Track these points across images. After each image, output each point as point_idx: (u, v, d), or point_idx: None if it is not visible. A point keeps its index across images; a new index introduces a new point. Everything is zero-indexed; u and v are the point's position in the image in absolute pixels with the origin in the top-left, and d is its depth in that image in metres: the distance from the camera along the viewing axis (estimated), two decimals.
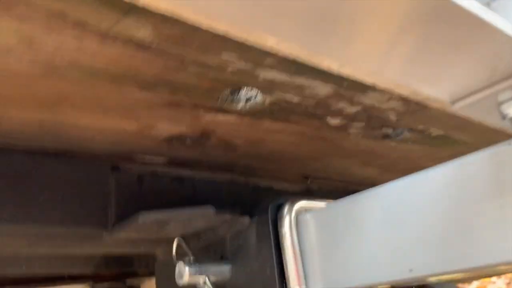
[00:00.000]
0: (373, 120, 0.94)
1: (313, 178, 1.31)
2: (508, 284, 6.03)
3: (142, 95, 0.72)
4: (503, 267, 0.59)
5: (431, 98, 0.65)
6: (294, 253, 0.79)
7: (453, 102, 0.53)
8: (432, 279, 0.66)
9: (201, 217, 0.86)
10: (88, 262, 1.29)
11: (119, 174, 0.98)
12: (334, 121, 0.91)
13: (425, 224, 0.63)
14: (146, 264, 1.38)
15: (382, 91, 0.79)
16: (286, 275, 0.79)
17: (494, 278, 6.12)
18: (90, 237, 0.94)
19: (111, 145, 0.92)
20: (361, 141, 1.05)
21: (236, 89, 0.75)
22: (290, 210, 0.82)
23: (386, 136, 1.02)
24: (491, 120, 0.56)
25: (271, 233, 0.82)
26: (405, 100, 0.85)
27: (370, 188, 0.73)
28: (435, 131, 1.03)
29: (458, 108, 0.53)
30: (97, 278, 1.34)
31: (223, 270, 0.91)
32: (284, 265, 0.79)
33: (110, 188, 0.96)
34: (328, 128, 0.94)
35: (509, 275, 5.99)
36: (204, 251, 0.99)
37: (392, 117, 0.93)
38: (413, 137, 1.04)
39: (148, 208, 0.87)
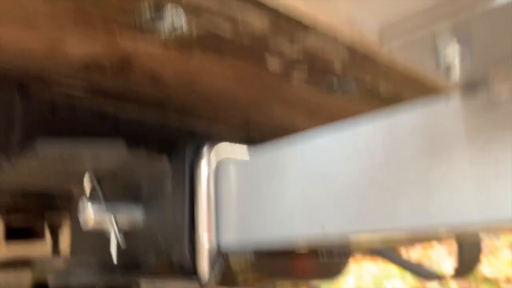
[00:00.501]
0: (316, 66, 0.85)
1: (255, 126, 1.23)
2: (449, 252, 6.31)
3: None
4: (420, 234, 0.53)
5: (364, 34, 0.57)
6: (208, 200, 0.71)
7: (385, 40, 0.45)
8: (344, 239, 0.60)
9: (111, 153, 0.77)
10: (3, 193, 1.18)
11: (28, 98, 0.86)
12: (273, 65, 0.82)
13: (345, 178, 0.57)
14: (68, 201, 1.29)
15: (322, 33, 0.71)
16: (196, 225, 0.71)
17: (436, 244, 6.39)
18: None
19: (17, 63, 0.80)
20: (304, 91, 0.96)
21: (157, 6, 0.65)
22: (208, 153, 0.74)
23: (331, 89, 0.94)
24: (427, 67, 0.48)
25: (187, 176, 0.74)
26: (350, 49, 0.77)
27: (294, 135, 0.65)
28: (383, 87, 0.96)
29: (389, 49, 0.45)
30: (11, 210, 1.24)
31: (135, 213, 0.83)
32: (196, 213, 0.72)
33: (15, 113, 0.85)
34: (267, 73, 0.85)
35: (450, 241, 6.25)
36: (119, 193, 0.91)
37: (337, 65, 0.85)
38: (360, 91, 0.97)
39: (61, 138, 0.77)
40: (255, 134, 1.26)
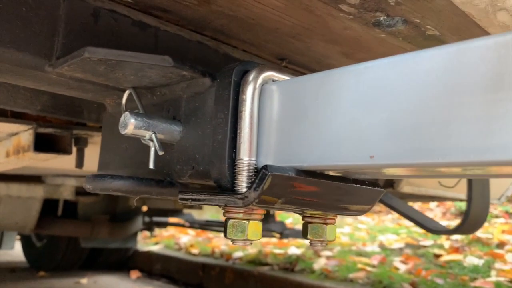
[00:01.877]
0: (369, 0, 0.83)
1: (289, 62, 1.22)
2: (445, 213, 6.42)
3: None
4: (472, 169, 0.54)
5: None
6: (251, 122, 0.72)
7: None
8: (392, 171, 0.61)
9: (157, 66, 0.77)
10: (34, 101, 1.19)
11: (72, 1, 0.85)
12: None
13: (400, 110, 0.56)
14: (97, 118, 1.30)
15: None
16: (237, 144, 0.72)
17: (432, 206, 6.50)
18: (31, 67, 0.83)
19: None
20: (350, 24, 0.94)
21: None
22: (256, 77, 0.73)
23: (377, 24, 0.92)
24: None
25: (231, 97, 0.74)
26: None
27: (348, 66, 0.64)
28: (430, 30, 0.94)
29: None
30: (41, 121, 1.26)
31: (173, 130, 0.84)
32: (238, 133, 0.72)
33: (59, 15, 0.84)
34: None
35: (447, 204, 6.36)
36: (157, 108, 0.91)
37: (391, 0, 0.82)
38: (405, 31, 0.95)
39: (101, 47, 0.76)
40: (287, 71, 1.24)
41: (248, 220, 0.69)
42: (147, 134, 0.80)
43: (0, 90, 1.13)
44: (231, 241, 0.70)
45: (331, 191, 0.71)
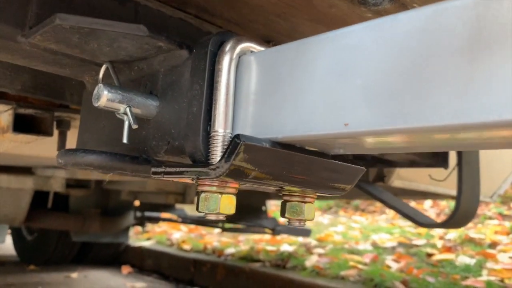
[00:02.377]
0: None
1: (275, 44, 1.19)
2: (439, 214, 6.42)
3: None
4: (451, 133, 0.52)
5: None
6: (227, 94, 0.69)
7: None
8: (370, 140, 0.59)
9: (131, 35, 0.74)
10: (13, 80, 1.16)
11: None
12: None
13: (375, 75, 0.54)
14: (80, 100, 1.27)
15: None
16: (213, 116, 0.70)
17: (427, 207, 6.50)
18: (3, 36, 0.80)
19: None
20: (335, 2, 0.92)
21: None
22: (233, 48, 0.71)
23: (363, 2, 0.90)
24: None
25: (207, 68, 0.72)
26: None
27: (325, 32, 0.62)
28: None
29: None
30: (22, 102, 1.23)
31: (149, 104, 0.81)
32: (214, 105, 0.70)
33: None
34: None
35: (441, 205, 6.36)
36: (135, 83, 0.89)
37: None
38: (392, 10, 0.92)
39: None
40: None
41: (221, 193, 0.67)
42: (122, 107, 0.78)
43: None
44: (204, 214, 0.67)
45: (308, 166, 0.69)
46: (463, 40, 0.48)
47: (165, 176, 0.70)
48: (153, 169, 0.72)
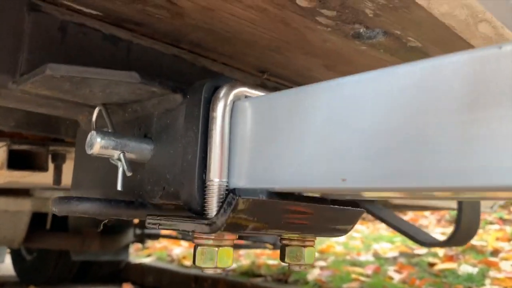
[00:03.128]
0: (347, 12, 0.80)
1: (270, 75, 1.18)
2: (439, 220, 6.40)
3: None
4: (450, 193, 0.51)
5: None
6: (222, 141, 0.68)
7: None
8: (367, 194, 0.58)
9: (124, 83, 0.73)
10: (7, 117, 1.15)
11: (38, 15, 0.81)
12: (302, 0, 0.76)
13: (373, 129, 0.53)
14: (74, 133, 1.26)
15: None
16: (208, 164, 0.68)
17: (427, 213, 6.48)
18: None
19: None
20: (329, 36, 0.91)
21: None
22: (227, 94, 0.70)
23: (357, 36, 0.89)
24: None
25: (201, 115, 0.70)
26: None
27: (321, 81, 0.61)
28: (412, 42, 0.91)
29: None
30: (17, 137, 1.22)
31: (144, 148, 0.80)
32: (208, 153, 0.69)
33: (24, 30, 0.80)
34: (294, 9, 0.80)
35: (441, 211, 6.34)
36: (129, 125, 0.88)
37: (369, 11, 0.79)
38: (386, 43, 0.92)
39: (70, 64, 0.73)
40: (270, 84, 1.21)
41: (218, 246, 0.65)
42: (115, 153, 0.77)
43: None
44: (201, 269, 0.66)
45: (308, 212, 0.68)
46: (461, 97, 0.47)
47: (160, 227, 0.69)
48: (148, 220, 0.71)
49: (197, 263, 0.65)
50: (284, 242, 0.76)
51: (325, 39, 0.92)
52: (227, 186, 0.67)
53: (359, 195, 0.61)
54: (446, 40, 0.87)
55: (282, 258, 0.76)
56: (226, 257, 0.65)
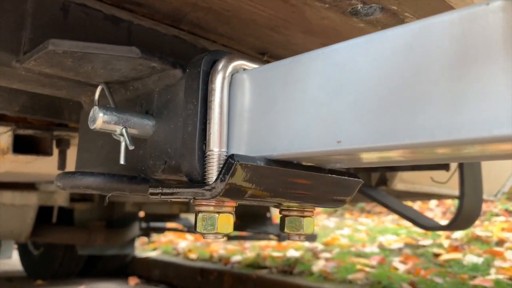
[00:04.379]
0: None
1: (270, 56, 1.19)
2: (444, 213, 6.39)
3: None
4: (442, 149, 0.52)
5: None
6: (221, 112, 0.70)
7: None
8: (363, 156, 0.59)
9: (124, 58, 0.75)
10: (12, 102, 1.17)
11: None
12: None
13: (366, 91, 0.54)
14: (78, 118, 1.28)
15: None
16: (207, 135, 0.70)
17: (432, 205, 6.47)
18: None
19: None
20: (326, 13, 0.92)
21: None
22: (225, 66, 0.71)
23: (355, 12, 0.90)
24: None
25: (200, 88, 0.72)
26: None
27: (315, 50, 0.62)
28: (409, 17, 0.92)
29: None
30: (21, 123, 1.24)
31: (145, 124, 0.82)
32: (208, 124, 0.70)
33: (27, 9, 0.82)
34: None
35: (447, 204, 6.33)
36: (131, 103, 0.89)
37: None
38: (384, 19, 0.93)
39: None
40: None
41: (219, 213, 0.67)
42: (118, 128, 0.78)
43: None
44: (202, 235, 0.67)
45: (305, 181, 0.69)
46: (450, 56, 0.48)
47: (162, 197, 0.71)
48: (150, 190, 0.73)
49: (198, 229, 0.66)
50: (284, 212, 0.78)
51: (323, 16, 0.93)
52: (226, 155, 0.69)
53: (356, 159, 0.63)
54: None
55: (281, 228, 0.78)
56: (226, 223, 0.66)
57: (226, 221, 0.67)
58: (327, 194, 0.74)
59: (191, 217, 4.45)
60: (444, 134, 0.47)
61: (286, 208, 0.77)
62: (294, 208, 0.77)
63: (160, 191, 0.71)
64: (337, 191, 0.74)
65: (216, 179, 0.64)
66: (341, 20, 0.95)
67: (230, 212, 0.68)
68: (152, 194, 0.72)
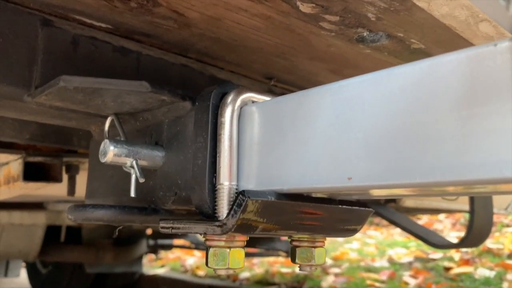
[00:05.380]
0: (349, 16, 0.82)
1: (277, 81, 1.20)
2: (454, 224, 6.33)
3: None
4: (453, 187, 0.52)
5: None
6: (231, 146, 0.70)
7: None
8: (373, 192, 0.59)
9: (135, 92, 0.75)
10: (22, 130, 1.19)
11: (51, 30, 0.84)
12: (305, 7, 0.78)
13: (375, 128, 0.54)
14: (87, 144, 1.29)
15: None
16: (217, 168, 0.70)
17: (441, 217, 6.41)
18: (9, 97, 0.82)
19: None
20: (333, 41, 0.93)
21: None
22: (234, 100, 0.72)
23: (361, 39, 0.91)
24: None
25: (210, 121, 0.73)
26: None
27: (324, 85, 0.63)
28: (415, 44, 0.92)
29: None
30: (32, 150, 1.25)
31: (155, 155, 0.82)
32: (218, 157, 0.71)
33: (38, 44, 0.83)
34: (298, 16, 0.82)
35: (456, 215, 6.27)
36: (140, 134, 0.90)
37: (371, 15, 0.81)
38: (390, 46, 0.93)
39: (82, 75, 0.76)
40: (277, 90, 1.23)
41: (230, 247, 0.67)
42: (128, 161, 0.79)
43: None
44: (213, 270, 0.67)
45: (316, 213, 0.69)
46: (459, 95, 0.48)
47: (173, 230, 0.71)
48: (161, 224, 0.73)
49: (209, 264, 0.66)
50: (295, 243, 0.78)
51: (330, 43, 0.94)
52: (236, 189, 0.69)
53: (366, 193, 0.63)
54: (448, 40, 0.88)
55: (293, 259, 0.78)
56: (237, 258, 0.67)
57: (237, 256, 0.67)
58: (338, 225, 0.74)
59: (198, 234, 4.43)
60: (455, 174, 0.47)
61: (297, 239, 0.77)
62: (305, 239, 0.77)
63: (171, 225, 0.71)
64: (348, 221, 0.74)
65: (228, 215, 0.64)
66: (347, 47, 0.95)
67: (241, 247, 0.68)
68: (163, 228, 0.73)
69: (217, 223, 0.64)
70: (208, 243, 0.68)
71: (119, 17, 0.86)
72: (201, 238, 4.33)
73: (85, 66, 0.88)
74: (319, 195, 0.71)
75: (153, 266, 5.20)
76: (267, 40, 0.94)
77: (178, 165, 0.80)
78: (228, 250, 0.66)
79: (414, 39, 0.90)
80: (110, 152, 0.76)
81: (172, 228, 0.71)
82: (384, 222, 6.96)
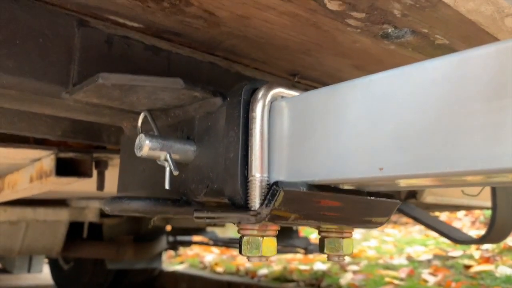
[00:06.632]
0: (375, 13, 0.84)
1: (301, 77, 1.23)
2: (474, 222, 6.26)
3: None
4: (481, 177, 0.54)
5: None
6: (262, 139, 0.73)
7: None
8: (403, 182, 0.61)
9: (169, 89, 0.79)
10: (54, 127, 1.23)
11: (86, 30, 0.88)
12: (333, 4, 0.80)
13: (406, 120, 0.57)
14: (116, 140, 1.33)
15: None
16: (249, 161, 0.73)
17: (460, 215, 6.35)
18: (48, 94, 0.86)
19: None
20: (358, 37, 0.95)
21: None
22: (265, 95, 0.74)
23: (386, 36, 0.92)
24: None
25: (241, 116, 0.75)
26: None
27: (353, 79, 0.65)
28: (439, 39, 0.94)
29: None
30: (62, 146, 1.30)
31: (187, 149, 0.86)
32: (249, 150, 0.73)
33: (74, 44, 0.87)
34: (325, 13, 0.84)
35: (475, 213, 6.20)
36: (172, 129, 0.93)
37: (397, 12, 0.83)
38: (414, 41, 0.95)
39: (116, 73, 0.79)
40: (300, 87, 1.26)
41: (263, 236, 0.70)
42: (162, 155, 0.82)
43: (22, 118, 1.17)
44: (247, 258, 0.70)
45: (345, 204, 0.72)
46: (489, 88, 0.50)
47: (207, 220, 0.74)
48: (195, 214, 0.76)
49: (243, 252, 0.69)
50: (323, 234, 0.80)
51: (355, 40, 0.96)
52: (268, 180, 0.72)
53: (395, 184, 0.65)
54: (473, 36, 0.89)
55: (321, 249, 0.80)
56: (270, 246, 0.69)
57: (270, 244, 0.70)
58: (366, 216, 0.76)
59: (217, 230, 4.48)
60: (484, 163, 0.49)
61: (325, 229, 0.80)
62: (333, 230, 0.79)
63: (206, 215, 0.74)
64: (375, 213, 0.76)
65: (261, 205, 0.67)
66: (372, 43, 0.97)
67: (273, 236, 0.71)
68: (197, 217, 0.76)
69: (251, 213, 0.67)
70: (241, 231, 0.71)
71: (151, 17, 0.89)
72: (219, 234, 4.37)
73: (118, 65, 0.92)
74: (346, 187, 0.73)
75: (172, 262, 5.27)
76: (293, 38, 0.96)
77: (209, 159, 0.83)
78: (261, 239, 0.69)
79: (438, 34, 0.91)
80: (146, 146, 0.80)
81: (207, 217, 0.74)
82: (402, 220, 6.92)
